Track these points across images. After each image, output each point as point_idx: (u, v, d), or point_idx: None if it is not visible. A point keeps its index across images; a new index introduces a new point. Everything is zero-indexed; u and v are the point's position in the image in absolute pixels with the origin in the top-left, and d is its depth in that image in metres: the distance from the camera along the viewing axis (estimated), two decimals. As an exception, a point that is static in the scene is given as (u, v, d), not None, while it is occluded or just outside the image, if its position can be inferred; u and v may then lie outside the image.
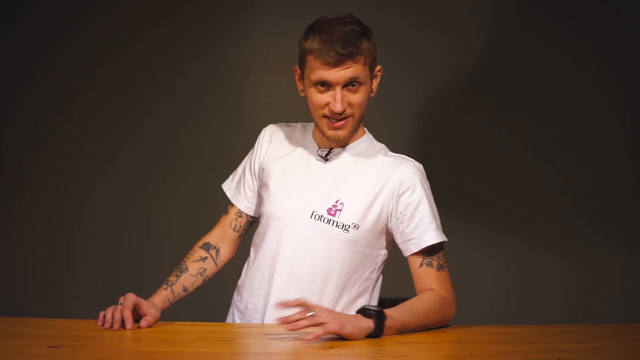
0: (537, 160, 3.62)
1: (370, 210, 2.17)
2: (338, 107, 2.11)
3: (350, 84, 2.11)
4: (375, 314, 1.95)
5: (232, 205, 2.37)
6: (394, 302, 2.07)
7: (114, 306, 2.07)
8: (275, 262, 2.21)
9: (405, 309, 2.05)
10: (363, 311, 1.96)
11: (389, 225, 2.19)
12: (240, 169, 2.40)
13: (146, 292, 2.20)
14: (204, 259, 2.34)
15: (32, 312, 3.37)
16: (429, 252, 2.16)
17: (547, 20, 3.60)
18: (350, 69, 2.09)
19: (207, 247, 2.35)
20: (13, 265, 3.71)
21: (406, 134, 3.61)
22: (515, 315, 3.56)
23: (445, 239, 2.18)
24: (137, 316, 2.09)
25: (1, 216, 3.72)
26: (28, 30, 3.71)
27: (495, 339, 2.03)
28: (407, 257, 2.19)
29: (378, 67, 2.20)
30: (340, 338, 1.93)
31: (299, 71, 2.20)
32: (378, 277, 2.27)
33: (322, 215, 2.17)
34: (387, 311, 1.99)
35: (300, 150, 2.28)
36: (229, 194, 2.38)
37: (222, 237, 2.37)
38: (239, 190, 2.36)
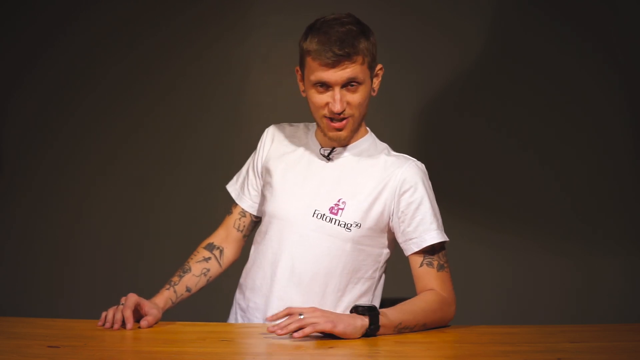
0: (537, 160, 3.62)
1: (372, 209, 2.17)
2: (337, 107, 2.11)
3: (349, 84, 2.11)
4: (368, 309, 1.95)
5: (236, 205, 2.38)
6: (394, 302, 2.08)
7: (115, 306, 2.08)
8: (277, 261, 2.22)
9: (402, 307, 2.05)
10: (355, 309, 1.97)
11: (390, 224, 2.20)
12: (244, 169, 2.41)
13: (146, 292, 2.20)
14: (207, 259, 2.34)
15: (32, 312, 3.37)
16: (429, 252, 2.17)
17: (547, 20, 3.60)
18: (348, 69, 2.10)
19: (210, 247, 2.36)
20: (13, 265, 3.71)
21: (406, 134, 3.61)
22: (515, 315, 3.55)
23: (447, 239, 2.18)
24: (139, 316, 2.10)
25: (1, 216, 3.72)
26: (28, 30, 3.70)
27: (495, 339, 2.03)
28: (407, 256, 2.20)
29: (379, 66, 2.21)
30: (339, 338, 1.93)
31: (300, 72, 2.21)
32: (380, 276, 2.27)
33: (324, 214, 2.18)
34: (386, 310, 1.99)
35: (302, 149, 2.28)
36: (233, 194, 2.39)
37: (226, 237, 2.38)
38: (242, 190, 2.37)
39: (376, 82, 2.21)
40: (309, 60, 2.13)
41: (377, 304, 2.28)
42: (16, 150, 3.71)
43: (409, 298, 2.14)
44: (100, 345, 1.89)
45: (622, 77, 3.59)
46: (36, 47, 3.70)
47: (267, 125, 2.41)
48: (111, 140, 3.70)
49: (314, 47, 2.10)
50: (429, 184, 2.23)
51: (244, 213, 2.37)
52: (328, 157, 2.24)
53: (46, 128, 3.72)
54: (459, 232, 3.47)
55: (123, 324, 2.05)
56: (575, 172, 3.60)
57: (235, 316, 2.34)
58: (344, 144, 2.23)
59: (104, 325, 2.06)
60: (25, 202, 3.71)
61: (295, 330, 1.90)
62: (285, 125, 2.37)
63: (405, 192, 2.17)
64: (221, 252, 2.36)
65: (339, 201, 2.19)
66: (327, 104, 2.13)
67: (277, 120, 2.44)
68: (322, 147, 2.26)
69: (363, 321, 1.94)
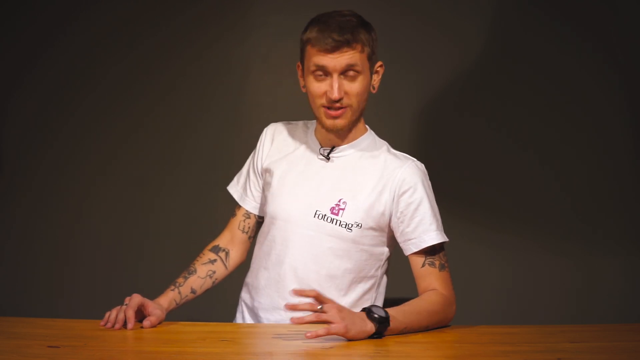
0: (537, 160, 3.62)
1: (372, 209, 2.17)
2: (335, 94, 2.11)
3: (347, 71, 2.11)
4: (379, 319, 1.94)
5: (240, 207, 2.38)
6: (394, 302, 2.08)
7: (119, 307, 2.08)
8: (280, 263, 2.22)
9: (409, 309, 2.05)
10: (369, 313, 1.95)
11: (390, 224, 2.20)
12: (244, 169, 2.40)
13: (146, 292, 2.20)
14: (213, 261, 2.34)
15: (32, 312, 3.37)
16: (430, 252, 2.17)
17: (547, 20, 3.60)
18: (346, 55, 2.10)
19: (216, 249, 2.36)
20: (13, 265, 3.71)
21: (406, 134, 3.60)
22: (515, 315, 3.55)
23: (446, 239, 2.19)
24: (143, 317, 2.10)
25: (1, 216, 3.72)
26: (28, 30, 3.70)
27: (495, 339, 2.03)
28: (407, 256, 2.20)
29: (379, 63, 2.21)
30: (340, 338, 1.93)
31: (300, 67, 2.21)
32: (383, 274, 2.28)
33: (325, 215, 2.18)
34: (392, 313, 1.98)
35: (302, 149, 2.28)
36: (235, 196, 2.38)
37: (231, 239, 2.38)
38: (245, 191, 2.36)
39: (376, 78, 2.21)
40: (308, 49, 2.13)
41: (380, 301, 2.29)
42: (16, 150, 3.71)
43: (410, 297, 2.14)
44: (100, 345, 1.89)
45: (622, 77, 3.59)
46: (36, 47, 3.70)
47: (267, 125, 2.41)
48: (111, 140, 3.70)
49: (314, 35, 2.11)
50: (428, 184, 2.23)
51: (248, 214, 2.37)
52: (327, 157, 2.24)
53: (46, 128, 3.72)
54: (459, 232, 3.47)
55: (124, 324, 2.05)
56: (575, 172, 3.60)
57: (242, 315, 2.35)
58: (342, 137, 2.23)
59: (105, 325, 2.06)
60: (25, 202, 3.71)
61: (309, 323, 1.90)
62: (284, 124, 2.37)
63: (404, 192, 2.17)
64: (227, 254, 2.36)
65: (339, 201, 2.19)
66: (325, 92, 2.13)
67: (277, 120, 2.44)
68: (321, 147, 2.26)
69: (372, 328, 1.94)
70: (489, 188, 3.61)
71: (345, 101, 2.14)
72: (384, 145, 2.29)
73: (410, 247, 2.18)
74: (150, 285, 2.36)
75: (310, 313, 1.90)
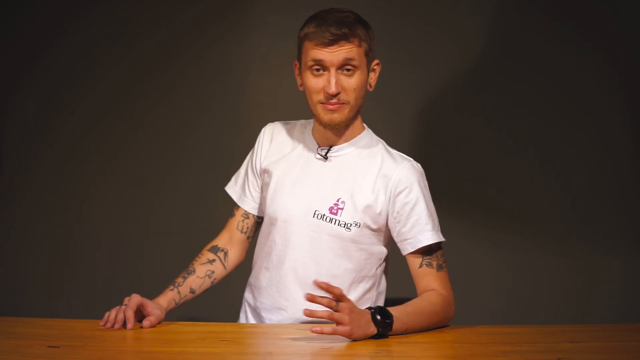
0: (537, 160, 3.62)
1: (370, 208, 2.18)
2: (332, 89, 2.11)
3: (345, 66, 2.12)
4: (382, 324, 1.94)
5: (238, 207, 2.38)
6: (394, 302, 2.08)
7: (118, 307, 2.08)
8: (281, 263, 2.23)
9: (411, 310, 2.05)
10: (373, 316, 1.95)
11: (388, 224, 2.20)
12: (242, 170, 2.40)
13: (146, 292, 2.20)
14: (211, 261, 2.34)
15: (32, 312, 3.37)
16: (427, 252, 2.17)
17: (547, 20, 3.60)
18: (344, 49, 2.10)
19: (215, 249, 2.36)
20: (13, 265, 3.71)
21: (406, 134, 3.60)
22: (515, 315, 3.55)
23: (442, 239, 2.19)
24: (142, 317, 2.10)
25: (1, 216, 3.72)
26: (28, 30, 3.70)
27: (495, 339, 2.03)
28: (405, 256, 2.20)
29: (376, 61, 2.21)
30: (341, 338, 1.93)
31: (298, 65, 2.22)
32: (382, 272, 2.28)
33: (324, 214, 2.19)
34: (395, 314, 1.98)
35: (300, 148, 2.29)
36: (234, 196, 2.38)
37: (230, 240, 2.38)
38: (244, 192, 2.37)
39: (373, 76, 2.21)
40: (306, 44, 2.14)
41: (381, 299, 2.30)
42: (16, 150, 3.71)
43: (409, 297, 2.14)
44: (100, 345, 1.89)
45: (622, 77, 3.59)
46: (36, 47, 3.70)
47: (265, 125, 2.41)
48: (111, 140, 3.70)
49: (311, 29, 2.12)
50: (425, 184, 2.23)
51: (246, 215, 2.37)
52: (325, 156, 2.25)
53: (46, 128, 3.72)
54: (459, 232, 3.48)
55: (124, 324, 2.05)
56: (575, 172, 3.60)
57: (245, 315, 2.35)
58: (340, 135, 2.23)
59: (105, 325, 2.06)
60: (25, 202, 3.71)
61: (320, 317, 1.90)
62: (282, 124, 2.37)
63: (400, 192, 2.18)
64: (225, 254, 2.36)
65: (338, 201, 2.19)
66: (322, 87, 2.13)
67: (276, 120, 2.44)
68: (319, 147, 2.26)
69: (374, 331, 1.94)
70: (489, 188, 3.61)
71: (342, 97, 2.14)
72: (381, 143, 2.29)
73: (406, 247, 2.18)
74: (150, 285, 2.36)
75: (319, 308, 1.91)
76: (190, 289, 2.28)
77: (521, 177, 3.61)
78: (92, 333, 2.00)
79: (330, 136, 2.24)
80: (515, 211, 3.61)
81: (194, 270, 2.31)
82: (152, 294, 2.23)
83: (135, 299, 2.09)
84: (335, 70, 2.11)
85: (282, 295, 2.23)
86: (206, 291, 2.35)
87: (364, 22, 2.17)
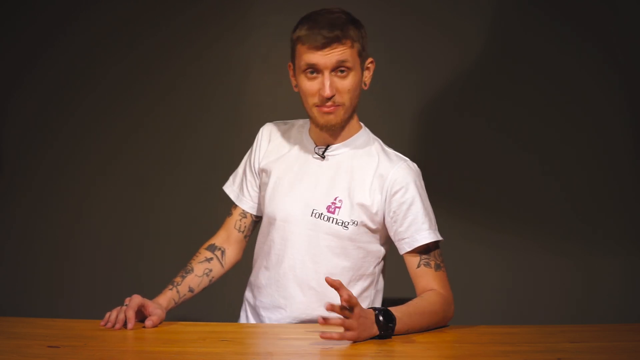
0: (537, 160, 3.62)
1: (367, 207, 2.18)
2: (327, 92, 2.12)
3: (338, 68, 2.12)
4: (384, 327, 1.94)
5: (236, 206, 2.38)
6: (394, 302, 2.08)
7: (119, 307, 2.08)
8: (279, 262, 2.23)
9: (413, 310, 2.05)
10: (377, 317, 1.95)
11: (385, 224, 2.21)
12: (240, 169, 2.41)
13: (146, 292, 2.20)
14: (209, 260, 2.35)
15: (32, 312, 3.37)
16: (425, 251, 2.17)
17: (547, 20, 3.60)
18: (337, 51, 2.11)
19: (212, 248, 2.37)
20: (13, 265, 3.71)
21: (406, 134, 3.60)
22: (515, 315, 3.55)
23: (440, 238, 2.19)
24: (143, 317, 2.10)
25: (1, 216, 3.72)
26: (28, 30, 3.70)
27: (495, 339, 2.03)
28: (402, 255, 2.21)
29: (370, 60, 2.21)
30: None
31: (292, 67, 2.22)
32: (381, 271, 2.29)
33: (321, 213, 2.19)
34: (398, 314, 1.98)
35: (297, 148, 2.29)
36: (232, 196, 2.39)
37: (227, 238, 2.38)
38: (242, 191, 2.37)
39: (367, 75, 2.22)
40: (299, 47, 2.14)
41: (379, 298, 2.30)
42: (16, 150, 3.71)
43: (409, 297, 2.14)
44: (100, 345, 1.89)
45: (622, 77, 3.59)
46: (36, 47, 3.70)
47: (263, 125, 2.42)
48: (111, 140, 3.70)
49: (303, 32, 2.12)
50: (421, 183, 2.23)
51: (244, 214, 2.37)
52: (322, 156, 2.25)
53: (46, 128, 3.72)
54: (459, 232, 3.48)
55: (125, 324, 2.05)
56: (575, 172, 3.60)
57: (246, 314, 2.36)
58: (336, 135, 2.23)
59: (105, 325, 2.06)
60: (25, 202, 3.71)
61: (333, 325, 1.89)
62: (280, 124, 2.38)
63: (396, 192, 2.18)
64: (223, 253, 2.37)
65: (335, 199, 2.20)
66: (317, 91, 2.14)
67: (277, 120, 2.44)
68: (316, 146, 2.26)
69: (377, 331, 1.95)
70: (489, 188, 3.61)
71: (337, 99, 2.14)
72: (377, 142, 2.29)
73: (403, 246, 2.19)
74: (150, 285, 2.36)
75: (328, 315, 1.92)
76: (189, 288, 2.28)
77: (521, 177, 3.61)
78: (92, 333, 2.00)
79: (327, 136, 2.24)
80: (515, 211, 3.61)
81: (192, 269, 2.31)
82: (152, 294, 2.23)
83: (136, 300, 2.09)
84: (329, 72, 2.12)
85: (280, 294, 2.23)
86: (204, 290, 2.35)
87: (356, 21, 2.17)
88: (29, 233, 3.71)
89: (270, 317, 2.26)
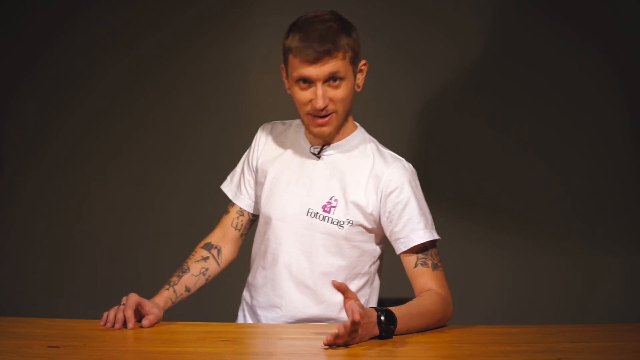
0: (537, 160, 3.62)
1: (362, 207, 2.19)
2: (319, 103, 2.12)
3: (331, 79, 2.12)
4: (385, 329, 1.94)
5: (233, 204, 2.38)
6: (393, 302, 2.07)
7: (116, 306, 2.08)
8: (275, 261, 2.23)
9: (414, 311, 2.05)
10: (379, 318, 1.94)
11: (381, 224, 2.21)
12: (238, 168, 2.41)
13: (146, 292, 2.20)
14: (205, 258, 2.34)
15: (32, 312, 3.37)
16: (421, 251, 2.17)
17: (547, 20, 3.60)
18: (329, 65, 2.11)
19: (208, 247, 2.36)
20: (13, 265, 3.71)
21: (406, 134, 3.61)
22: (515, 315, 3.55)
23: (436, 237, 2.18)
24: (140, 316, 2.10)
25: (1, 216, 3.72)
26: (28, 30, 3.71)
27: (495, 339, 2.03)
28: (399, 255, 2.20)
29: (363, 62, 2.21)
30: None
31: (284, 69, 2.22)
32: (377, 270, 2.29)
33: (317, 212, 2.20)
34: (399, 315, 1.98)
35: (294, 148, 2.30)
36: (230, 194, 2.39)
37: (224, 237, 2.38)
38: (239, 189, 2.37)
39: (360, 77, 2.22)
40: (291, 58, 2.14)
41: (375, 297, 2.30)
42: (16, 150, 3.71)
43: (408, 297, 2.14)
44: (100, 345, 1.89)
45: (622, 77, 3.59)
46: (36, 47, 3.70)
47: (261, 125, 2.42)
48: (111, 140, 3.70)
49: (295, 44, 2.12)
50: (416, 183, 2.23)
51: (241, 212, 2.38)
52: (318, 156, 2.25)
53: (46, 128, 3.72)
54: (459, 232, 3.48)
55: (124, 324, 2.05)
56: (575, 172, 3.61)
57: (243, 314, 2.36)
58: (329, 140, 2.24)
59: (105, 325, 2.06)
60: (25, 202, 3.72)
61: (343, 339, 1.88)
62: (278, 124, 2.38)
63: (391, 192, 2.18)
64: (219, 251, 2.37)
65: (331, 199, 2.20)
66: (310, 100, 2.14)
67: (276, 120, 2.44)
68: (312, 146, 2.27)
69: (378, 332, 1.94)
70: (489, 188, 3.61)
71: (330, 107, 2.15)
72: (373, 142, 2.29)
73: (399, 246, 2.19)
74: (150, 285, 2.35)
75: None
76: (186, 287, 2.28)
77: (521, 177, 3.61)
78: (92, 333, 2.00)
79: None
80: (515, 211, 3.61)
81: (189, 269, 2.31)
82: (152, 294, 2.22)
83: (133, 298, 2.09)
84: (321, 84, 2.12)
85: (276, 293, 2.24)
86: (203, 289, 2.35)
87: (347, 27, 2.16)
88: (29, 233, 3.71)
89: (267, 316, 2.26)
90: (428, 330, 2.08)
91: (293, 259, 2.21)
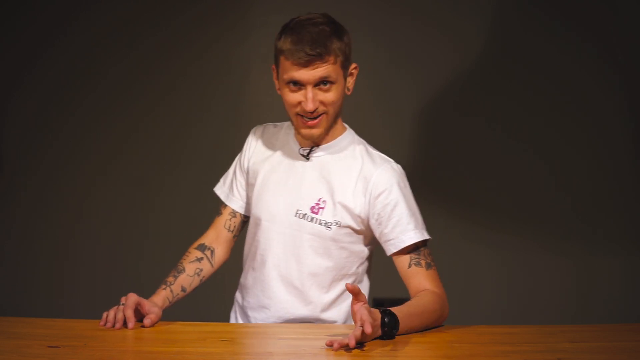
0: (537, 160, 3.62)
1: (350, 208, 2.19)
2: (309, 106, 2.13)
3: (321, 83, 2.13)
4: (388, 332, 1.94)
5: (225, 206, 2.40)
6: (393, 302, 2.07)
7: (116, 306, 2.08)
8: (264, 262, 2.25)
9: (414, 311, 2.05)
10: (382, 320, 1.94)
11: (370, 226, 2.21)
12: (230, 170, 2.43)
13: (146, 292, 2.20)
14: (199, 259, 2.35)
15: (32, 312, 3.37)
16: (413, 251, 2.18)
17: (547, 20, 3.60)
18: (320, 69, 2.12)
19: (202, 248, 2.38)
20: (13, 265, 3.71)
21: (406, 134, 3.61)
22: (515, 315, 3.55)
23: (425, 237, 2.19)
24: (140, 316, 2.10)
25: (1, 216, 3.72)
26: (28, 30, 3.71)
27: (495, 339, 2.03)
28: (391, 257, 2.20)
29: (353, 65, 2.22)
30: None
31: (275, 70, 2.23)
32: (365, 271, 2.29)
33: (305, 214, 2.21)
34: (400, 315, 1.98)
35: (284, 150, 2.31)
36: (222, 196, 2.40)
37: (216, 238, 2.39)
38: (232, 191, 2.39)
39: (350, 81, 2.22)
40: (282, 60, 2.15)
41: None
42: (16, 150, 3.72)
43: (404, 297, 2.14)
44: (100, 345, 1.89)
45: (622, 77, 3.59)
46: (36, 47, 3.70)
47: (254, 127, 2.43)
48: (111, 140, 3.70)
49: (287, 46, 2.13)
50: (405, 184, 2.23)
51: (234, 213, 2.38)
52: (307, 157, 2.26)
53: (46, 128, 3.72)
54: (459, 232, 3.48)
55: (125, 324, 2.05)
56: (575, 172, 3.61)
57: (235, 314, 2.36)
58: (319, 142, 2.24)
59: (105, 325, 2.06)
60: (25, 202, 3.72)
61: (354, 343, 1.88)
62: (269, 126, 2.39)
63: (380, 194, 2.19)
64: (212, 252, 2.37)
65: (319, 200, 2.21)
66: (300, 102, 2.15)
67: (276, 120, 2.44)
68: (301, 147, 2.27)
69: (381, 333, 1.95)
70: (489, 188, 3.61)
71: (320, 109, 2.16)
72: (362, 144, 2.29)
73: (389, 247, 2.19)
74: (150, 285, 2.35)
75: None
76: (182, 287, 2.29)
77: (521, 177, 3.62)
78: (92, 333, 2.00)
79: None
80: (515, 211, 3.61)
81: (184, 269, 2.32)
82: (152, 294, 2.23)
83: (132, 298, 2.09)
84: (312, 87, 2.12)
85: (265, 293, 2.25)
86: (198, 290, 2.35)
87: (339, 31, 2.16)
88: (29, 233, 3.71)
89: (256, 317, 2.27)
90: (426, 329, 2.08)
91: (282, 259, 2.23)
